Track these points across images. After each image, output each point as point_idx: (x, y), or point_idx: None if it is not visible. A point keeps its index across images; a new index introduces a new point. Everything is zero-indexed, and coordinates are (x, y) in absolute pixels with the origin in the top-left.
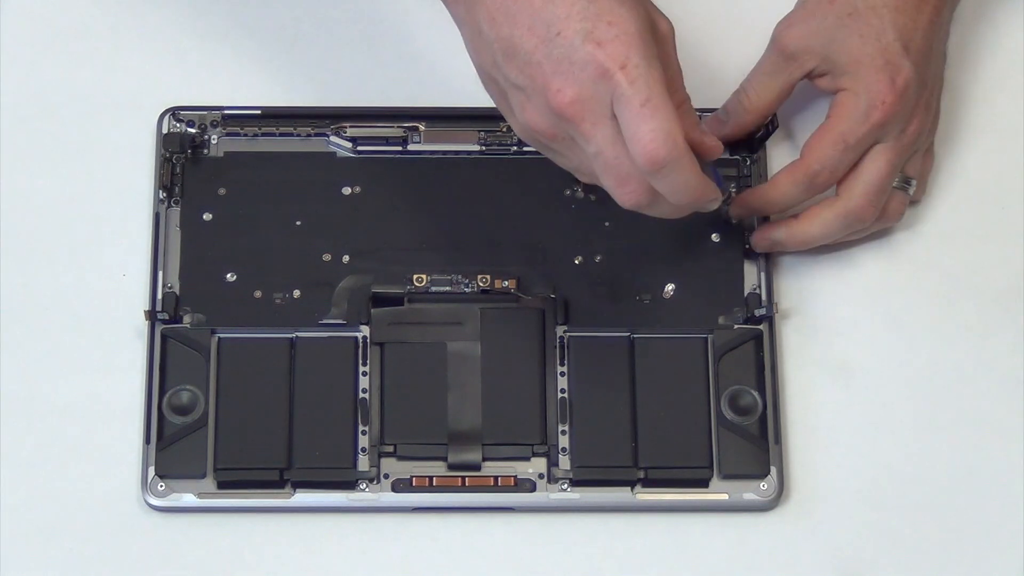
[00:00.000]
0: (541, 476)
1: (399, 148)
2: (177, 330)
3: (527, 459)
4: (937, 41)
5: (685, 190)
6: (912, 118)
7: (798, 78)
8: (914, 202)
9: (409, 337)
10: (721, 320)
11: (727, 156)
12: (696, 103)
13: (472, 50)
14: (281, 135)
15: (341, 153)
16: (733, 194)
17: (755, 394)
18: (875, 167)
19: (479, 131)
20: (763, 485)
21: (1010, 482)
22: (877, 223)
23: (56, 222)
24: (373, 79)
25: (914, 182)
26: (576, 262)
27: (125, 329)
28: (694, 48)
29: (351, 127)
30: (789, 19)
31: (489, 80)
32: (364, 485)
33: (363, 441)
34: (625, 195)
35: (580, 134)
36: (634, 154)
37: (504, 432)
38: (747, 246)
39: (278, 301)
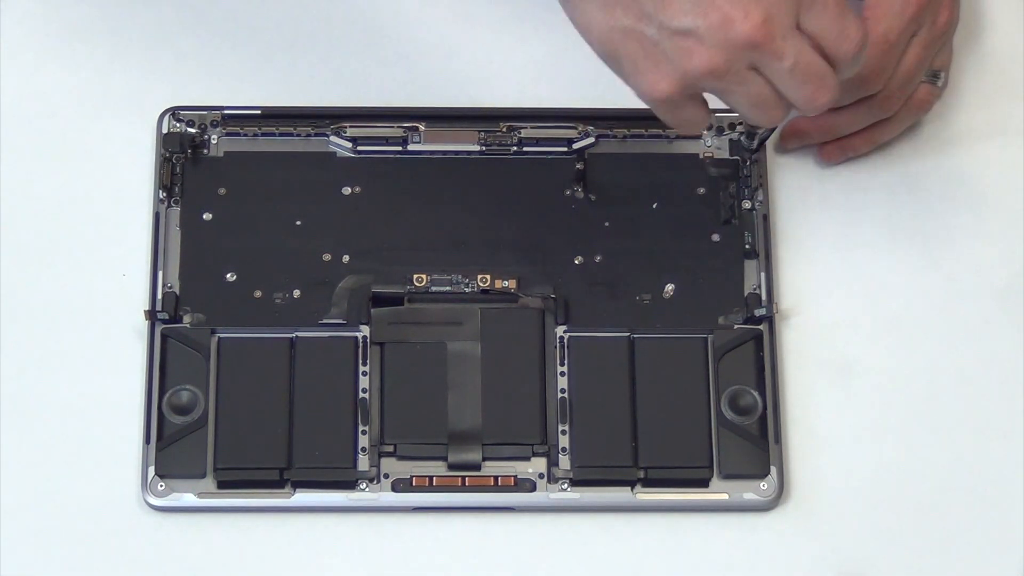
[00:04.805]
0: (541, 476)
1: (399, 148)
2: (177, 330)
3: (527, 459)
4: None
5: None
6: (940, 8)
7: None
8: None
9: (409, 337)
10: (721, 320)
11: (726, 156)
12: None
13: (597, 13)
14: (281, 135)
15: (341, 153)
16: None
17: (755, 394)
18: (905, 59)
19: (479, 131)
20: (763, 485)
21: (1010, 482)
22: (907, 115)
23: (56, 222)
24: (373, 79)
25: (943, 75)
26: (576, 262)
27: (125, 329)
28: None
29: (351, 127)
30: None
31: (626, 39)
32: (364, 485)
33: (363, 441)
34: (822, 96)
35: (771, 53)
36: (845, 51)
37: (504, 432)
38: (747, 246)
39: (278, 301)
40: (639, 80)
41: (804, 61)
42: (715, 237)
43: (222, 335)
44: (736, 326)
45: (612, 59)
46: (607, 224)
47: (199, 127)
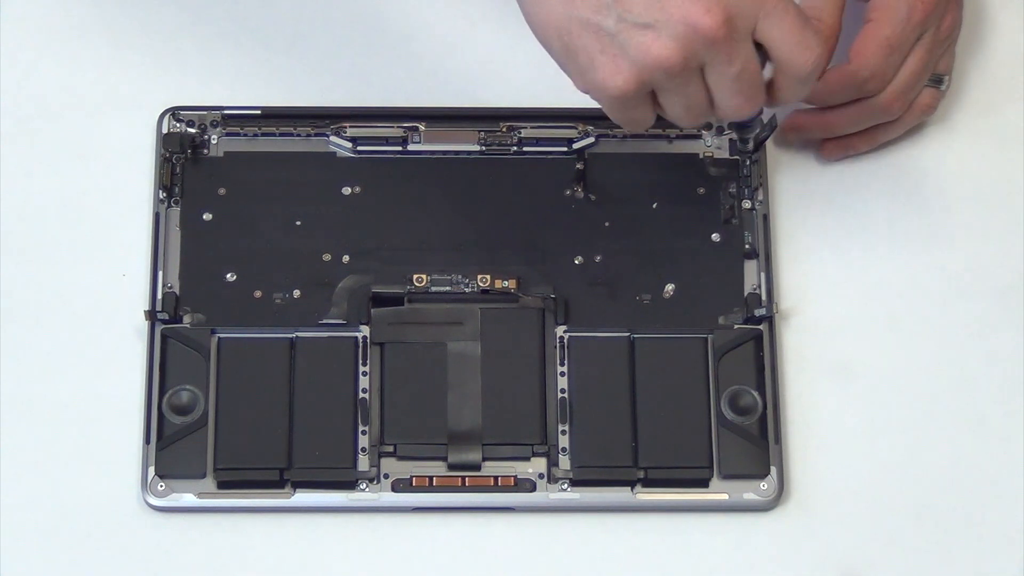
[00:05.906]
0: (541, 476)
1: (399, 148)
2: (177, 330)
3: (527, 459)
4: None
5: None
6: (946, 14)
7: None
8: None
9: (409, 337)
10: (721, 320)
11: (726, 156)
12: None
13: (557, 3)
14: (281, 135)
15: (341, 153)
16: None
17: (755, 394)
18: (908, 64)
19: (479, 131)
20: (763, 485)
21: (1010, 482)
22: (910, 119)
23: (56, 222)
24: (373, 79)
25: (946, 79)
26: (576, 262)
27: (125, 329)
28: None
29: (351, 127)
30: None
31: (584, 32)
32: (364, 485)
33: (363, 441)
34: (747, 111)
35: (724, 54)
36: (801, 62)
37: (504, 432)
38: (747, 246)
39: (278, 301)
40: (595, 75)
41: (749, 71)
42: (715, 237)
43: (222, 335)
44: (736, 326)
45: (567, 53)
46: (607, 224)
47: (199, 127)
